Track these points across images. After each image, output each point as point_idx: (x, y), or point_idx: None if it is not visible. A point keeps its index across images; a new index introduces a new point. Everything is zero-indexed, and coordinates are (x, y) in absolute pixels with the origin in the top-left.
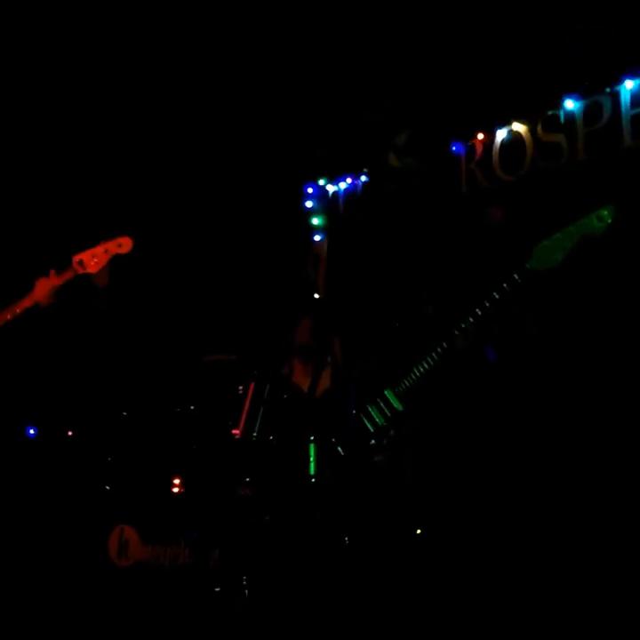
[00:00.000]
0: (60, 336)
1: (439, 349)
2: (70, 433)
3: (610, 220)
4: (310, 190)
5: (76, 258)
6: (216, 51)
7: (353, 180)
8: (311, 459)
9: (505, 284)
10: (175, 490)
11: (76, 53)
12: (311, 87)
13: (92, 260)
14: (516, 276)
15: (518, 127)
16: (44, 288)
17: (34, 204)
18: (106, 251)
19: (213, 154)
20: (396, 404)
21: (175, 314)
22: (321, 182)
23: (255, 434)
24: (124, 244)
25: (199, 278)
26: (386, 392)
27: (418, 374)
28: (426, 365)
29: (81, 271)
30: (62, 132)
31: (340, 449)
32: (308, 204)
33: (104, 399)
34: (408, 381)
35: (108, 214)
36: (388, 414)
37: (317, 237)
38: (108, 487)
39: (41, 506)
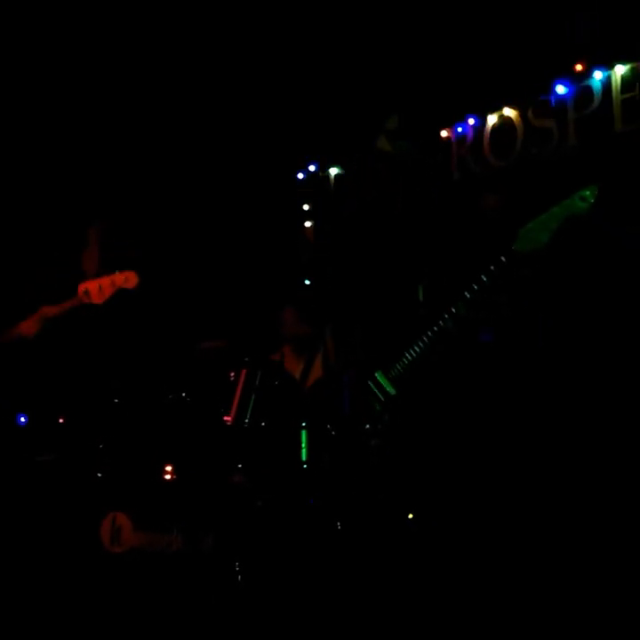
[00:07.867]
0: (52, 324)
1: (430, 333)
2: (62, 420)
3: (593, 200)
4: (301, 175)
5: (82, 287)
6: (202, 36)
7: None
8: (303, 445)
9: (492, 267)
10: (167, 477)
11: (57, 58)
12: (301, 72)
13: (98, 290)
14: (502, 258)
15: (509, 112)
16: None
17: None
18: (112, 283)
19: (204, 139)
20: (389, 388)
21: (167, 301)
22: (311, 168)
23: (247, 420)
24: (129, 279)
25: (191, 265)
26: (377, 375)
27: (410, 358)
28: (418, 349)
29: (86, 301)
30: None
31: (332, 431)
32: (299, 189)
33: (96, 386)
34: (400, 365)
35: (100, 197)
36: (382, 399)
37: (308, 223)
38: (99, 474)
39: (32, 493)
